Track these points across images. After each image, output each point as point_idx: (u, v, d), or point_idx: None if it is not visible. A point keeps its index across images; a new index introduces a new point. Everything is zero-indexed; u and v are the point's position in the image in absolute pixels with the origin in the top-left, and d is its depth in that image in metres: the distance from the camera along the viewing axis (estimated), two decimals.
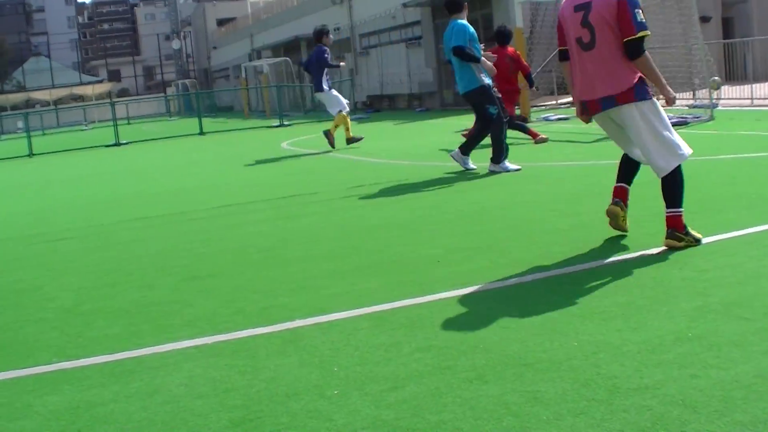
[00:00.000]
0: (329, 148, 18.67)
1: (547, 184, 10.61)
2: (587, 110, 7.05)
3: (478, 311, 5.26)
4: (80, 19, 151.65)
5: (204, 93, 63.48)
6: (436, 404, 3.86)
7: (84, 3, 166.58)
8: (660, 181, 6.67)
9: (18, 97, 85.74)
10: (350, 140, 19.18)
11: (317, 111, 44.18)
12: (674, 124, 16.38)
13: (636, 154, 7.10)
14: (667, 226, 6.52)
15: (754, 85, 21.77)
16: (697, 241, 6.49)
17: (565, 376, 4.06)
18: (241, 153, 20.30)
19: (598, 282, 5.68)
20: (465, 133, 16.71)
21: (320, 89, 19.46)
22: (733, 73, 24.88)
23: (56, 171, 21.23)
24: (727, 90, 23.00)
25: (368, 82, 42.19)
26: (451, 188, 10.90)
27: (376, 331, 5.02)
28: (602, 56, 6.61)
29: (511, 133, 13.55)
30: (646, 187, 9.41)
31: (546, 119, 21.81)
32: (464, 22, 12.09)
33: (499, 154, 12.07)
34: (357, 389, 4.14)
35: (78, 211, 12.24)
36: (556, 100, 27.47)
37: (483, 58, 12.06)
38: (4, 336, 5.81)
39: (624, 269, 5.98)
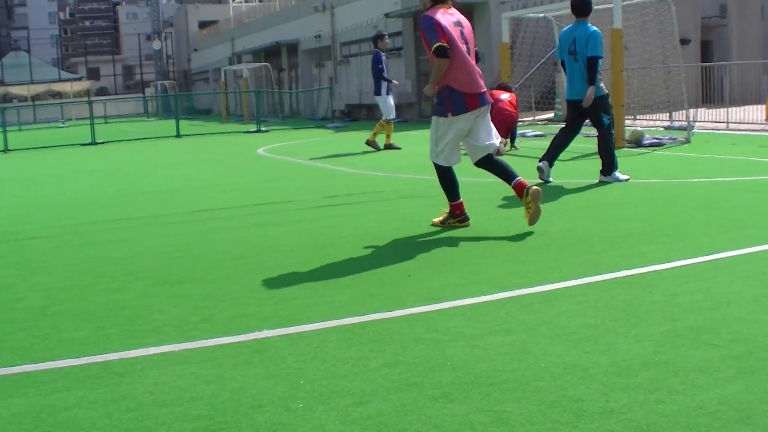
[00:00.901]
0: (312, 157, 18.73)
1: (519, 201, 10.60)
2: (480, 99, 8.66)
3: (448, 328, 5.25)
4: (62, 16, 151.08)
5: (183, 95, 63.32)
6: (401, 421, 3.85)
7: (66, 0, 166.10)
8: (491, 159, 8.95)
9: None
10: (387, 146, 20.35)
11: (295, 118, 44.22)
12: (650, 145, 16.55)
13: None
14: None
15: (730, 109, 21.90)
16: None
17: (532, 397, 4.06)
18: (217, 157, 20.28)
19: (568, 302, 5.68)
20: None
21: (376, 92, 20.30)
22: (710, 96, 25.03)
23: (31, 168, 21.12)
24: (703, 113, 23.19)
25: (347, 90, 42.21)
26: (424, 202, 10.89)
27: (345, 345, 5.01)
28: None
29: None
30: (620, 208, 9.48)
31: (522, 135, 21.86)
32: (597, 29, 12.04)
33: (610, 165, 12.04)
34: (322, 403, 4.13)
35: (52, 210, 12.17)
36: (534, 116, 27.55)
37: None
38: None
39: (594, 290, 6.00)
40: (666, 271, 6.46)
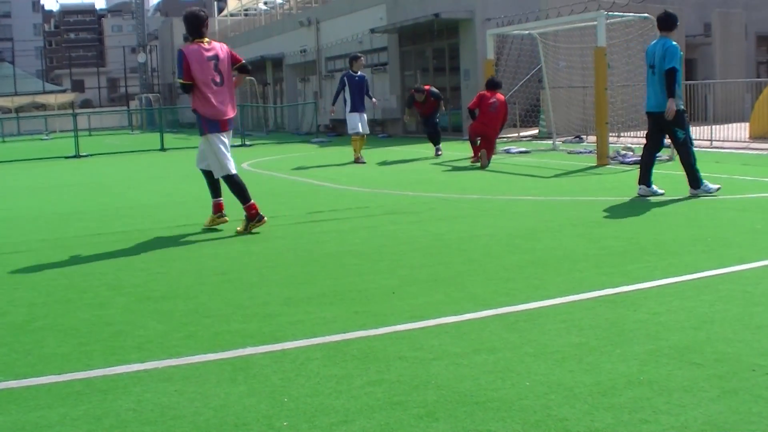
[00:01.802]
0: (295, 172, 18.74)
1: (505, 218, 10.64)
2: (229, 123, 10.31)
3: (432, 346, 5.24)
4: (46, 27, 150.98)
5: (167, 108, 63.23)
6: None
7: (51, 11, 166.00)
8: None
9: None
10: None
11: (279, 132, 44.20)
12: (634, 163, 16.59)
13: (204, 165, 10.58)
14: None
15: (714, 127, 21.98)
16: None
17: (516, 416, 4.05)
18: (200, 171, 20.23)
19: (553, 321, 5.69)
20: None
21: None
22: (694, 114, 25.10)
23: (14, 181, 21.01)
24: None
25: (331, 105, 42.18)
26: (409, 218, 10.89)
27: (329, 363, 5.00)
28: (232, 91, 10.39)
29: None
30: (604, 226, 9.50)
31: (507, 151, 21.93)
32: (676, 43, 12.15)
33: (695, 179, 12.13)
34: (307, 421, 4.11)
35: (34, 224, 12.11)
36: (518, 133, 27.60)
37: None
38: None
39: (579, 309, 6.00)
40: (650, 290, 6.48)
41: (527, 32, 23.49)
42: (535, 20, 25.74)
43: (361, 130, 21.49)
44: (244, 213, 10.32)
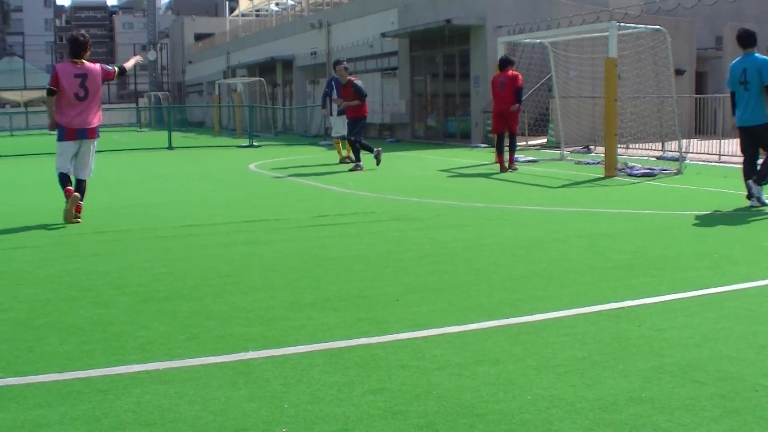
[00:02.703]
0: (302, 175, 18.76)
1: (511, 227, 10.61)
2: (87, 134, 11.97)
3: (434, 355, 5.22)
4: (58, 23, 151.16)
5: (176, 107, 63.28)
6: None
7: (63, 7, 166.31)
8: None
9: None
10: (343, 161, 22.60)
11: (287, 134, 44.20)
12: (642, 175, 16.56)
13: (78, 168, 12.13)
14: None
15: (722, 141, 21.94)
16: None
17: (517, 430, 4.04)
18: (208, 171, 20.27)
19: (556, 334, 5.67)
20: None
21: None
22: (703, 128, 25.09)
23: (21, 175, 21.03)
24: (695, 144, 23.21)
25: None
26: (415, 225, 10.88)
27: (330, 369, 4.99)
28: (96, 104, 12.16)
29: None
30: (610, 239, 9.48)
31: (516, 160, 21.91)
32: (766, 57, 12.48)
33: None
34: (306, 429, 4.10)
35: (39, 220, 12.10)
36: (527, 142, 27.57)
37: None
38: None
39: (582, 322, 5.98)
40: (654, 305, 6.46)
41: (538, 41, 23.47)
42: (547, 29, 25.75)
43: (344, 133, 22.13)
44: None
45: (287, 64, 50.94)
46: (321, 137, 38.40)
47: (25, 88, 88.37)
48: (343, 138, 22.49)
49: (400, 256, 8.73)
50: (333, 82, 22.89)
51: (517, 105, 19.27)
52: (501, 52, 22.33)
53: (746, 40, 12.63)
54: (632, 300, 6.61)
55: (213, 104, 55.20)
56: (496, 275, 7.70)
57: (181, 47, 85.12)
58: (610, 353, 5.22)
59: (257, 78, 51.91)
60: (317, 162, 23.60)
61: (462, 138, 32.07)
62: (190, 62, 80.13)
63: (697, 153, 22.50)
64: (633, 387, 4.61)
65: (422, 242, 9.51)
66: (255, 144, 33.77)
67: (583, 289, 7.05)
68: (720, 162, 20.95)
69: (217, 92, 55.74)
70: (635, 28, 19.90)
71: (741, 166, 13.01)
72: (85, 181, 12.21)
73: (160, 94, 78.75)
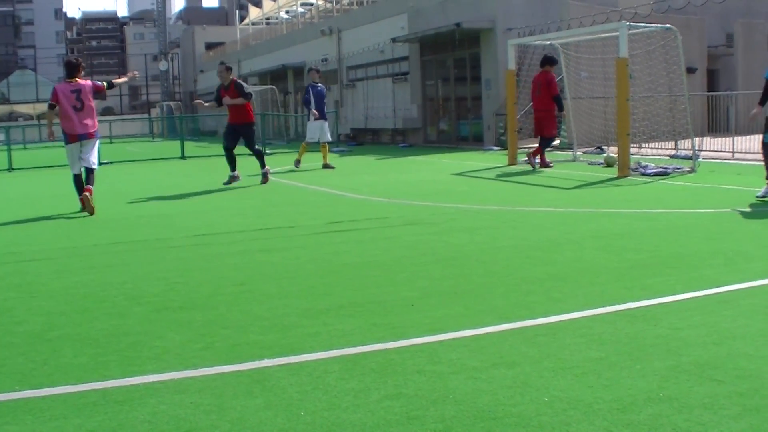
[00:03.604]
0: (315, 181, 18.80)
1: (525, 229, 10.58)
2: (86, 136, 14.65)
3: (451, 359, 5.20)
4: (69, 35, 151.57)
5: (188, 116, 63.37)
6: None
7: (74, 18, 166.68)
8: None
9: (1, 109, 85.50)
10: (297, 162, 23.90)
11: (300, 141, 44.22)
12: (655, 174, 16.51)
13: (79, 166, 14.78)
14: None
15: (735, 138, 21.87)
16: None
17: None
18: (221, 180, 20.19)
19: (573, 335, 5.64)
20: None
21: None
22: (716, 126, 25.01)
23: (35, 188, 21.08)
24: (709, 142, 23.16)
25: (353, 114, 42.23)
26: (429, 229, 10.86)
27: (346, 376, 4.97)
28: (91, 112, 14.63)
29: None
30: (625, 238, 9.45)
31: (527, 162, 21.86)
32: None
33: None
34: None
35: (53, 232, 12.13)
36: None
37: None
38: None
39: (599, 323, 5.95)
40: (671, 304, 6.43)
41: (549, 42, 23.43)
42: (557, 30, 25.70)
43: (318, 139, 23.93)
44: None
45: (298, 71, 50.96)
46: (333, 144, 38.40)
47: (38, 101, 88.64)
48: (316, 143, 24.12)
49: (415, 260, 8.71)
50: (310, 88, 23.99)
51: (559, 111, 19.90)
52: (512, 55, 22.32)
53: None
54: (648, 299, 6.58)
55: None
56: (511, 278, 7.68)
57: (193, 56, 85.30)
58: (627, 353, 5.19)
59: (269, 86, 51.95)
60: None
61: (475, 141, 32.03)
62: (201, 71, 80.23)
63: (710, 151, 22.44)
64: (651, 387, 4.58)
65: (437, 246, 9.49)
66: (268, 152, 33.76)
67: (598, 290, 7.02)
68: (733, 159, 20.90)
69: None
70: (645, 27, 19.85)
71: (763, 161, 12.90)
72: (93, 170, 14.73)
73: (172, 103, 79.02)
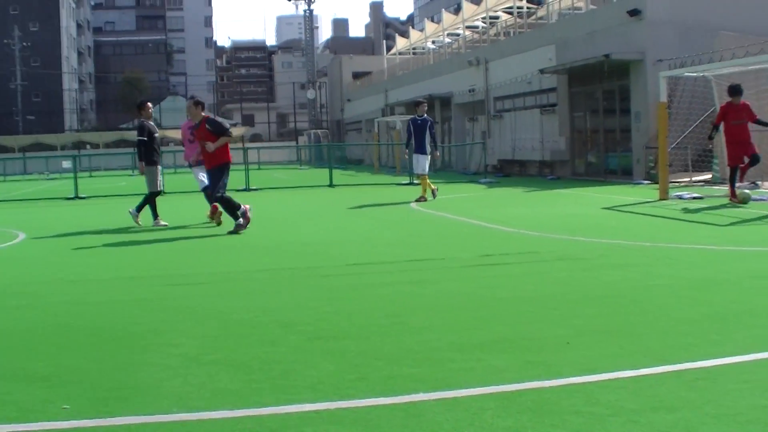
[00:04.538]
0: (464, 213, 18.78)
1: (678, 268, 10.34)
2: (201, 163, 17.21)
3: (608, 401, 5.09)
4: (219, 63, 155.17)
5: (335, 145, 64.09)
6: None
7: (223, 47, 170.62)
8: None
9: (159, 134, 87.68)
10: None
11: (446, 171, 44.25)
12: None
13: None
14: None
15: None
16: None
17: None
18: (370, 209, 20.37)
19: (735, 380, 5.46)
20: None
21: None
22: None
23: (186, 214, 21.53)
24: None
25: (500, 145, 42.08)
26: (580, 265, 10.72)
27: (502, 413, 4.90)
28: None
29: None
30: None
31: (679, 197, 21.42)
32: None
33: None
34: None
35: (205, 256, 12.36)
36: (690, 178, 27.01)
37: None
38: (118, 376, 5.88)
39: (763, 368, 5.77)
40: None
41: (701, 74, 23.00)
42: (709, 62, 25.21)
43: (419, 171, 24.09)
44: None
45: (445, 101, 51.12)
46: (481, 174, 38.33)
47: None
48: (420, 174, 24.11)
49: (567, 297, 8.58)
50: (410, 123, 24.22)
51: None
52: (663, 87, 21.94)
53: None
54: None
55: (372, 142, 55.72)
56: (666, 317, 7.50)
57: (340, 85, 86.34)
58: None
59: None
60: (478, 200, 23.56)
61: (623, 174, 31.59)
62: (348, 100, 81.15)
63: None
64: None
65: (588, 283, 9.35)
66: (415, 182, 33.90)
67: (761, 333, 6.79)
68: None
69: (375, 130, 56.27)
70: None
71: None
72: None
73: (319, 132, 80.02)
